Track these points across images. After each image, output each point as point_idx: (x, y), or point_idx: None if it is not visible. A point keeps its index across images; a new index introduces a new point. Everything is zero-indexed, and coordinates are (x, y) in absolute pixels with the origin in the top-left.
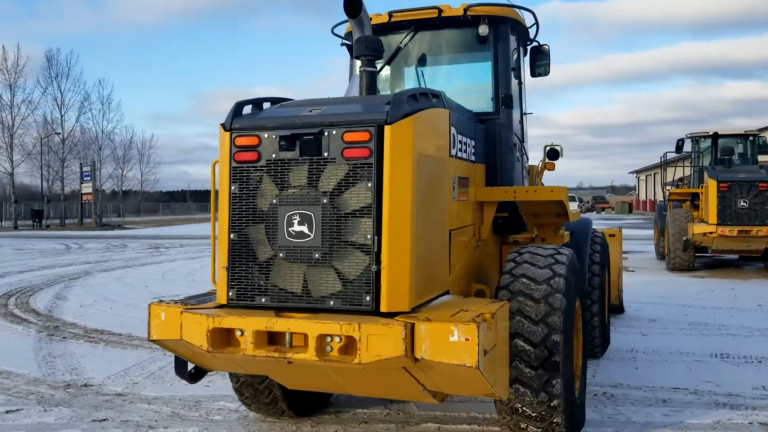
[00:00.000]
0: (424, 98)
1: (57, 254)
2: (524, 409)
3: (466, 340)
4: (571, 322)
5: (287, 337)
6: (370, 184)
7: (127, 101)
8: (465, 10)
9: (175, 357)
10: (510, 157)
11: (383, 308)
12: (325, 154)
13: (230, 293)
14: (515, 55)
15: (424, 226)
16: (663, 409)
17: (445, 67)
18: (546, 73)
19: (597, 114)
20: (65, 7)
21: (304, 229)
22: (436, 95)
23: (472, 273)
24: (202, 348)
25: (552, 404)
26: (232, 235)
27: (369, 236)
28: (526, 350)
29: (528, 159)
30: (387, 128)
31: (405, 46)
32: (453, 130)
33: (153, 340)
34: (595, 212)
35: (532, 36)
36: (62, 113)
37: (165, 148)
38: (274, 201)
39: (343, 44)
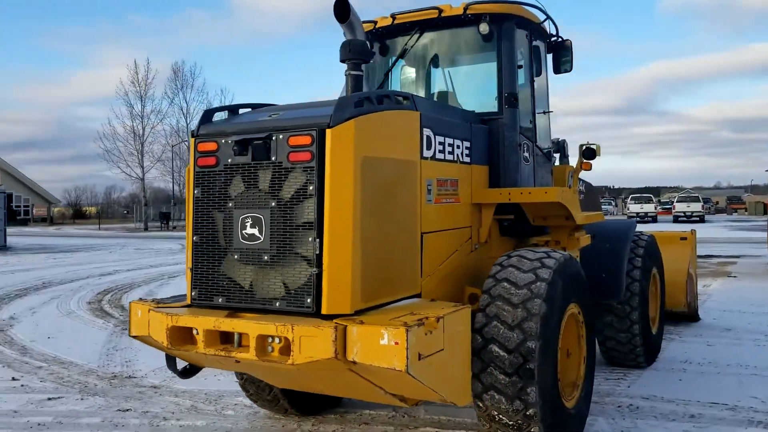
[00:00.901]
0: (387, 101)
1: (170, 254)
2: (501, 417)
3: (396, 343)
4: (553, 328)
5: (236, 336)
6: (312, 188)
7: None
8: (465, 9)
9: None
10: (514, 157)
11: (323, 310)
12: (273, 158)
13: (193, 293)
14: (526, 53)
15: (378, 228)
16: (686, 425)
17: (457, 67)
18: (569, 69)
19: (737, 108)
20: (192, 20)
21: (255, 231)
22: (406, 97)
23: (466, 276)
24: (163, 345)
25: (528, 413)
26: (195, 237)
27: (311, 239)
28: (501, 356)
29: (555, 159)
30: (328, 132)
31: (411, 48)
32: (427, 132)
33: (133, 336)
34: (726, 213)
35: (552, 32)
36: (188, 122)
37: None
38: (230, 204)
39: None
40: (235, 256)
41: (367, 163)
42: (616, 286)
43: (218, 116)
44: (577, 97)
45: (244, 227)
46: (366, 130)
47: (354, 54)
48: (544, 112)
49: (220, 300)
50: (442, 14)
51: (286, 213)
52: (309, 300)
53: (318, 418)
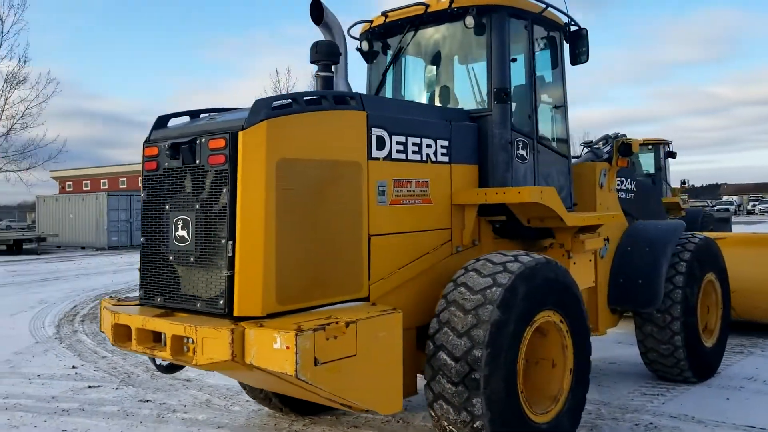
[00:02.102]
0: (326, 101)
1: None
2: (450, 427)
3: (287, 348)
4: (509, 337)
5: (162, 336)
6: (225, 191)
7: None
8: (450, 3)
9: None
10: (503, 156)
11: (234, 312)
12: (197, 161)
13: (140, 292)
14: (525, 45)
15: (302, 230)
16: None
17: (455, 63)
18: (585, 60)
19: None
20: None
21: (185, 234)
22: (353, 97)
23: (442, 280)
24: (110, 341)
25: (475, 425)
26: (142, 239)
27: (224, 242)
28: (448, 364)
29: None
30: (240, 134)
31: (408, 45)
32: (379, 132)
33: (102, 331)
34: None
35: (565, 20)
36: None
37: None
38: (167, 207)
39: (357, 48)
40: (170, 258)
41: (284, 165)
42: (652, 294)
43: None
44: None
45: (176, 229)
46: (282, 132)
47: (321, 55)
48: (556, 107)
49: (159, 300)
50: (429, 9)
51: (207, 216)
52: (222, 302)
53: (313, 419)
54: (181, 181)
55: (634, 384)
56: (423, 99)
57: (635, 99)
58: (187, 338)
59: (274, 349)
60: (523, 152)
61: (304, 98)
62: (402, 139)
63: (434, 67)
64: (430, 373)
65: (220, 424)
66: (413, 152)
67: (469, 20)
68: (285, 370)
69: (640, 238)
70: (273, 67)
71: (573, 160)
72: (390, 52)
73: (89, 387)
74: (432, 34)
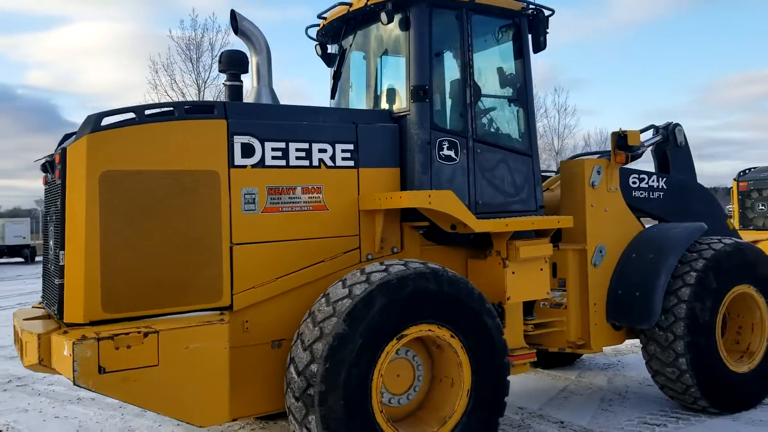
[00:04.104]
0: (179, 111)
1: None
2: None
3: (69, 355)
4: (356, 353)
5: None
6: (58, 203)
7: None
8: (366, 0)
9: None
10: (419, 157)
11: (64, 319)
12: (54, 176)
13: (41, 298)
14: (456, 37)
15: (135, 240)
16: None
17: (388, 60)
18: (541, 47)
19: None
20: (563, 19)
21: (51, 243)
22: (213, 106)
23: None
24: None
25: None
26: (45, 249)
27: (58, 251)
28: (293, 378)
29: (532, 154)
30: (67, 150)
31: (351, 46)
32: (245, 140)
33: None
34: None
35: (516, 8)
36: None
37: None
38: (48, 219)
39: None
40: (49, 266)
41: (109, 178)
42: (646, 308)
43: None
44: None
45: (49, 240)
46: (105, 146)
47: (226, 65)
48: (514, 100)
49: (47, 305)
50: (352, 8)
51: (54, 228)
52: (55, 308)
53: (266, 424)
54: (49, 195)
55: (642, 411)
56: (364, 99)
57: None
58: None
59: (64, 356)
60: (451, 153)
61: (148, 110)
62: (280, 145)
63: (372, 66)
64: (284, 386)
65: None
66: (298, 158)
67: (383, 17)
68: (69, 376)
69: (646, 244)
70: None
71: (590, 157)
72: (346, 55)
73: None
74: (369, 32)
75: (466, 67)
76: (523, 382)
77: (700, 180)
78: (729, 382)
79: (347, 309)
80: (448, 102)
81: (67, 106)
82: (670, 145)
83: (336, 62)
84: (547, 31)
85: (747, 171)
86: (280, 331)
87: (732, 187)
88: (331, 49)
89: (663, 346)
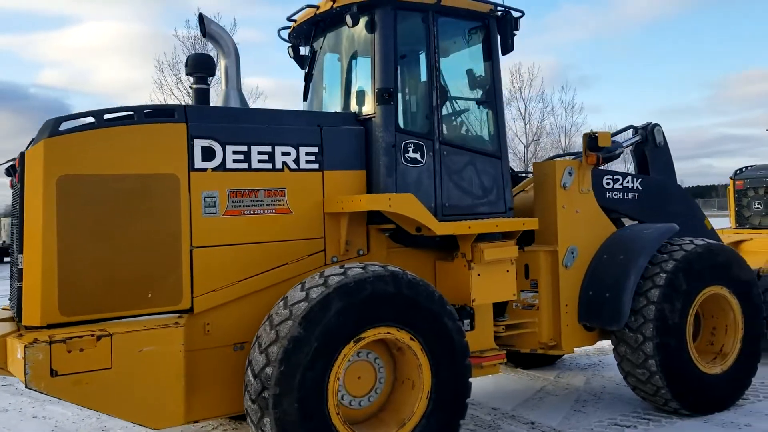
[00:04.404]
0: (140, 115)
1: None
2: None
3: (21, 358)
4: (312, 356)
5: None
6: (17, 207)
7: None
8: (332, 3)
9: None
10: (384, 160)
11: (23, 322)
12: (15, 180)
13: (9, 303)
14: (422, 38)
15: (93, 244)
16: None
17: (358, 63)
18: (509, 49)
19: None
20: (571, 16)
21: (15, 247)
22: (173, 110)
23: None
24: None
25: None
26: (11, 252)
27: (18, 255)
28: (250, 381)
29: (501, 156)
30: (25, 154)
31: (321, 48)
32: (205, 143)
33: None
34: None
35: (484, 9)
36: (525, 122)
37: (679, 142)
38: (15, 221)
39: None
40: (14, 270)
41: (67, 182)
42: (616, 310)
43: None
44: None
45: (14, 243)
46: (63, 150)
47: (193, 69)
48: (482, 103)
49: (12, 308)
50: (319, 11)
51: (16, 231)
52: (14, 311)
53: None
54: (14, 199)
55: (615, 412)
56: (335, 101)
57: None
58: None
59: (17, 359)
60: (416, 155)
61: (107, 114)
62: (242, 148)
63: (342, 68)
64: (243, 389)
65: None
66: (260, 161)
67: (348, 19)
68: (22, 379)
69: (618, 245)
70: None
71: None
72: (317, 57)
73: None
74: (338, 35)
75: (433, 70)
76: (501, 382)
77: (711, 178)
78: (700, 383)
79: (303, 312)
80: (415, 104)
81: (80, 106)
82: (649, 146)
83: (307, 64)
84: (515, 32)
85: (744, 169)
86: (243, 333)
87: (728, 186)
88: (304, 51)
89: (633, 348)
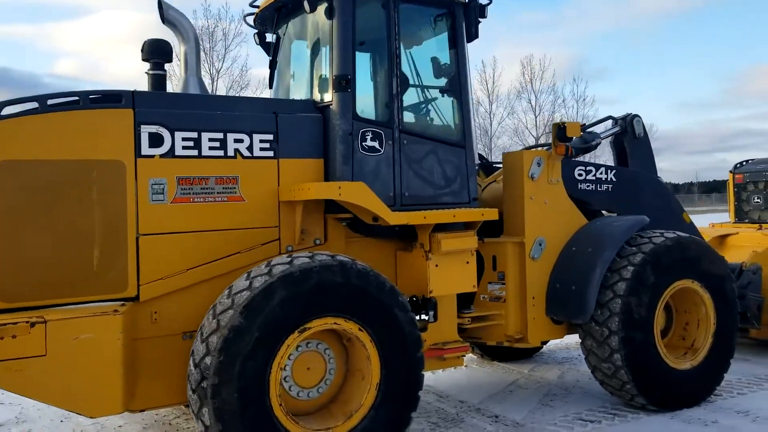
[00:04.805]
0: (85, 101)
1: None
2: None
3: None
4: (253, 346)
5: None
6: None
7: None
8: None
9: None
10: (342, 148)
11: None
12: None
13: None
14: (382, 25)
15: (33, 230)
16: None
17: (318, 50)
18: (473, 36)
19: None
20: (589, 7)
21: None
22: (120, 95)
23: None
24: None
25: None
26: None
27: None
28: (191, 371)
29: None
30: None
31: (284, 35)
32: (153, 129)
33: None
34: None
35: None
36: (536, 114)
37: (696, 136)
38: None
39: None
40: None
41: (8, 167)
42: (581, 303)
43: None
44: None
45: None
46: (4, 135)
47: (149, 54)
48: (446, 91)
49: None
50: None
51: None
52: None
53: None
54: None
55: (582, 407)
56: (299, 88)
57: None
58: None
59: None
60: (374, 143)
61: (51, 100)
62: (192, 135)
63: (305, 55)
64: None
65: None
66: (212, 148)
67: (306, 5)
68: None
69: (586, 237)
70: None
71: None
72: (281, 43)
73: None
74: (300, 21)
75: (393, 57)
76: (474, 375)
77: (726, 170)
78: (668, 378)
79: (244, 301)
80: (374, 92)
81: None
82: (629, 137)
83: (272, 51)
84: (480, 20)
85: (744, 163)
86: (192, 322)
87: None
88: (270, 38)
89: (599, 342)
